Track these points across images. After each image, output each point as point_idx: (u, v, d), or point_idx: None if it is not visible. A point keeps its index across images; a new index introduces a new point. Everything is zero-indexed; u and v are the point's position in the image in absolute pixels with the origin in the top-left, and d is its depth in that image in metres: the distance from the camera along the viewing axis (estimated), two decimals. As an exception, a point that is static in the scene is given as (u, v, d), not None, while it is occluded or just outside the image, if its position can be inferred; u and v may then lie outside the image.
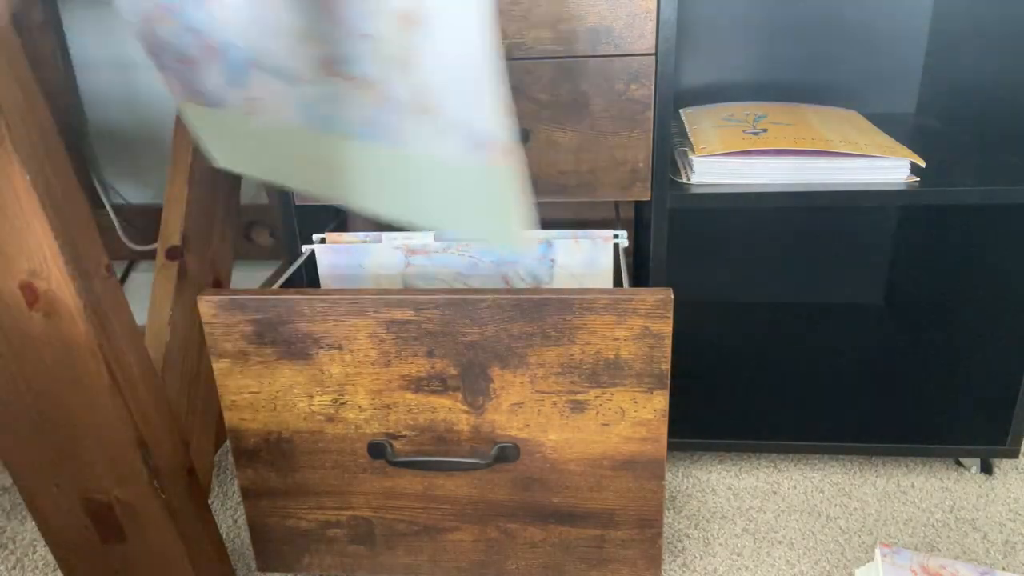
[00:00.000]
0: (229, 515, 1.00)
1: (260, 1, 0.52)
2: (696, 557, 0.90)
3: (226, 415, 0.74)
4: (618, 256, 0.83)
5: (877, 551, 0.77)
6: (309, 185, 0.68)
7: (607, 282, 0.83)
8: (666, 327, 0.66)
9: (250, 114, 0.62)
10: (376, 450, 0.74)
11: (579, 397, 0.70)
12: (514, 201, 0.53)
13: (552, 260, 0.80)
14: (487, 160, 0.50)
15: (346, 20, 0.49)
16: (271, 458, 0.76)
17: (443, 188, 0.56)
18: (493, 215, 0.56)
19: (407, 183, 0.59)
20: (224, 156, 0.71)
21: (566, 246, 0.80)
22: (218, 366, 0.72)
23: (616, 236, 0.87)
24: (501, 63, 0.44)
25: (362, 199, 0.65)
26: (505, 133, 0.48)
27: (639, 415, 0.70)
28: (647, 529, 0.76)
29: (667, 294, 0.66)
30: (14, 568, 0.93)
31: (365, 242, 0.82)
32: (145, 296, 0.90)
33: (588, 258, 0.81)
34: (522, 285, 0.81)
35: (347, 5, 0.49)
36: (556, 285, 0.82)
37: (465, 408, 0.72)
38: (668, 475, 1.04)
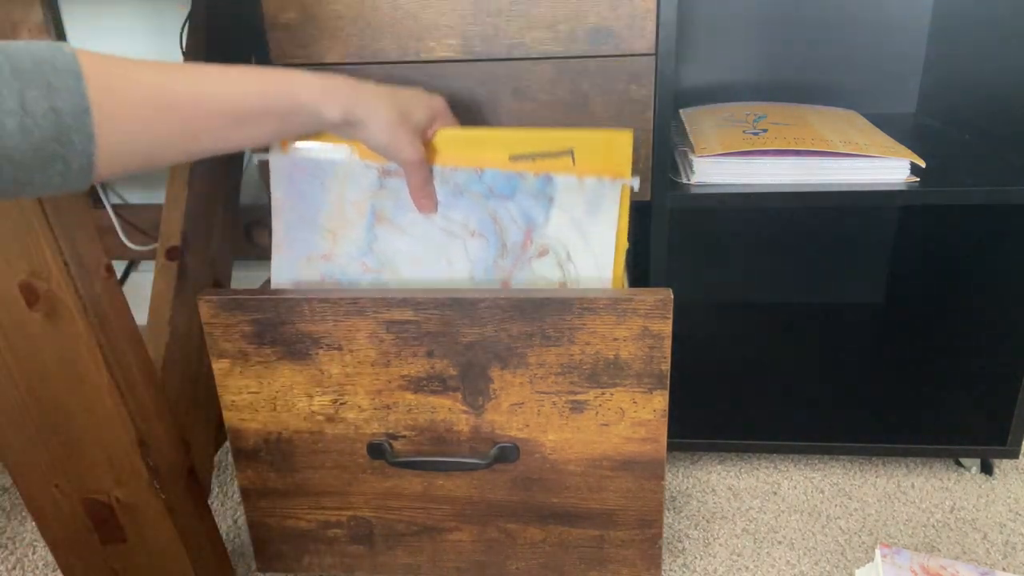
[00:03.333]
0: (229, 515, 1.00)
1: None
2: (696, 557, 0.90)
3: (226, 415, 0.74)
4: (626, 204, 0.74)
5: (877, 551, 0.77)
6: None
7: (611, 230, 0.73)
8: (666, 327, 0.66)
9: None
10: (376, 450, 0.74)
11: (579, 397, 0.70)
12: None
13: (550, 199, 0.72)
14: None
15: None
16: (271, 458, 0.76)
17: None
18: None
19: None
20: None
21: (568, 184, 0.71)
22: (218, 366, 0.72)
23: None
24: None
25: None
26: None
27: (639, 415, 0.70)
28: (647, 529, 0.76)
29: (667, 294, 0.66)
30: (14, 568, 0.93)
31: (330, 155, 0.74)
32: (145, 296, 0.90)
33: (592, 201, 0.72)
34: (512, 227, 0.73)
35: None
36: (552, 230, 0.73)
37: (465, 408, 0.72)
38: (668, 475, 1.04)
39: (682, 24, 1.17)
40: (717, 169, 0.88)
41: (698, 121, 1.02)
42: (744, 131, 0.94)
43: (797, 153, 0.87)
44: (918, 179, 0.87)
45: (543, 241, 0.73)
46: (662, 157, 0.83)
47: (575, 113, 0.82)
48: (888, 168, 0.87)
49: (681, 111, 1.09)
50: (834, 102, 1.18)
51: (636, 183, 0.72)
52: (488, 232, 0.73)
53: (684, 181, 0.89)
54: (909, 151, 0.88)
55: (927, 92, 1.18)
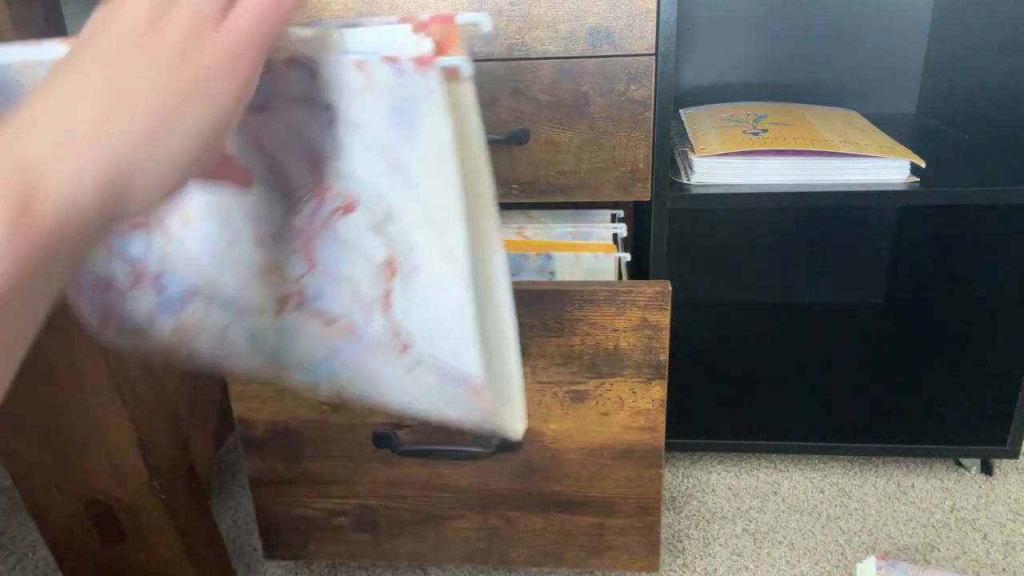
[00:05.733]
0: (229, 515, 1.00)
1: (222, 235, 0.45)
2: (696, 557, 0.90)
3: (234, 405, 0.75)
4: (620, 270, 0.82)
5: (873, 562, 0.76)
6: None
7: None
8: (664, 318, 0.67)
9: (180, 341, 0.52)
10: (381, 439, 0.74)
11: (579, 387, 0.70)
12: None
13: (551, 273, 0.78)
14: (460, 395, 0.46)
15: (322, 262, 0.43)
16: (278, 447, 0.76)
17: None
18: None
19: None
20: None
21: (565, 260, 0.77)
22: (221, 359, 0.72)
23: (613, 216, 0.87)
24: (471, 317, 0.38)
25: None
26: (481, 376, 0.41)
27: (638, 405, 0.70)
28: (645, 517, 0.76)
29: (665, 286, 0.66)
30: (14, 568, 0.93)
31: None
32: (147, 296, 0.90)
33: (588, 271, 0.79)
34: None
35: (325, 249, 0.42)
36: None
37: (466, 401, 0.72)
38: (668, 475, 1.04)
39: (682, 24, 1.18)
40: (717, 169, 0.89)
41: (698, 121, 1.03)
42: (744, 131, 0.94)
43: (797, 153, 0.88)
44: (918, 179, 0.87)
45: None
46: (662, 157, 0.83)
47: (575, 113, 0.82)
48: (888, 168, 0.87)
49: (681, 111, 1.10)
50: (834, 102, 1.19)
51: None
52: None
53: (684, 181, 0.90)
54: (909, 151, 0.88)
55: (927, 92, 1.18)
